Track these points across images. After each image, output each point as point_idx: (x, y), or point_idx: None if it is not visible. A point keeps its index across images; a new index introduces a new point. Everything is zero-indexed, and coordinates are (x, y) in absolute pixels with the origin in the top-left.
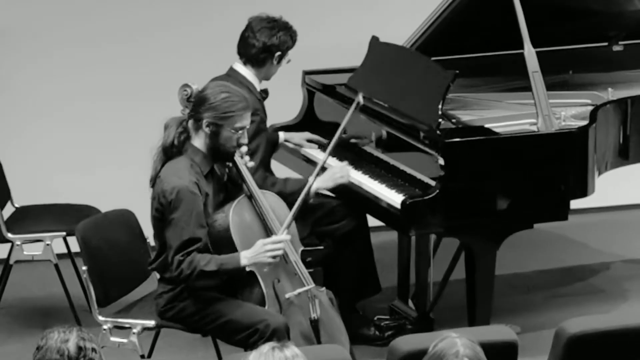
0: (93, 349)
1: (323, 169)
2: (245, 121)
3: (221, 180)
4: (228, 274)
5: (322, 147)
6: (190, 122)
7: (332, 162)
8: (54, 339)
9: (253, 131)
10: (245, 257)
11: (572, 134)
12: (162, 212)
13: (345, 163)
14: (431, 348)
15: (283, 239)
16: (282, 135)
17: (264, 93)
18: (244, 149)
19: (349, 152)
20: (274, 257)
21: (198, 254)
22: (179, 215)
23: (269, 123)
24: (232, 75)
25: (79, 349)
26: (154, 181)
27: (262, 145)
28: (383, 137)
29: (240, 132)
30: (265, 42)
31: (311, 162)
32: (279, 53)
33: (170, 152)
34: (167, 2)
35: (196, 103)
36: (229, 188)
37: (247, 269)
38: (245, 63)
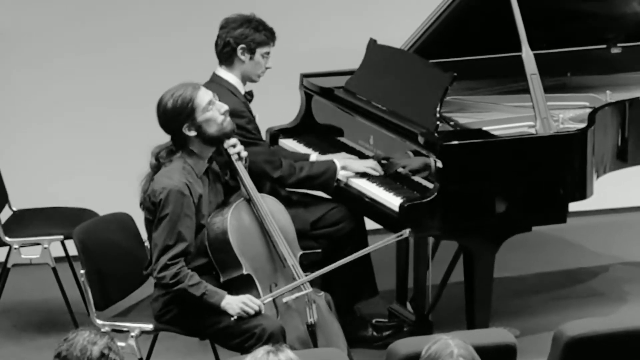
0: None
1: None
2: (206, 96)
3: (220, 181)
4: (206, 305)
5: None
6: (176, 141)
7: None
8: (83, 337)
9: (251, 131)
10: (226, 300)
11: (571, 136)
12: (153, 212)
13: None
14: (424, 351)
15: (261, 307)
16: (313, 158)
17: (249, 95)
18: (242, 152)
19: (346, 154)
20: (244, 311)
21: (186, 269)
22: (167, 216)
23: (267, 125)
24: (215, 80)
25: (102, 355)
26: (142, 199)
27: (263, 139)
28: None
29: (211, 106)
30: (224, 37)
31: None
32: (242, 46)
33: (157, 168)
34: (167, 7)
35: (166, 127)
36: (230, 185)
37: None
38: (220, 64)
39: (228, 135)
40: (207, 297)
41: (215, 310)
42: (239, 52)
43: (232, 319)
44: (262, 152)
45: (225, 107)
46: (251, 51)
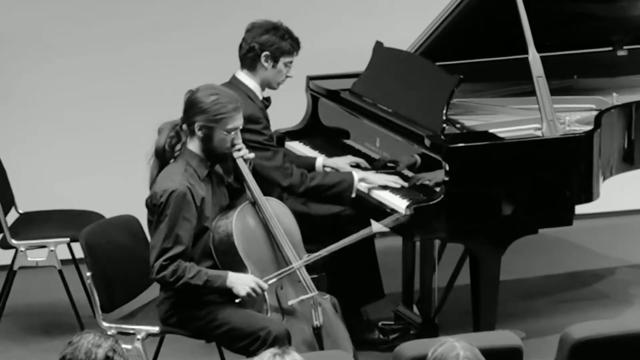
0: None
1: None
2: (237, 122)
3: (223, 183)
4: (213, 290)
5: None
6: (184, 127)
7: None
8: (87, 340)
9: (266, 138)
10: (230, 280)
11: (577, 139)
12: (152, 214)
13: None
14: (430, 354)
15: (265, 288)
16: (319, 161)
17: (267, 101)
18: (247, 154)
19: (352, 156)
20: (248, 294)
21: (184, 262)
22: (166, 218)
23: (273, 128)
24: (234, 83)
25: (107, 358)
26: (152, 184)
27: (276, 147)
28: (417, 163)
29: (232, 133)
30: (249, 42)
31: None
32: (266, 53)
33: (162, 156)
34: (171, 8)
35: (187, 107)
36: (234, 187)
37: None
38: (242, 68)
39: (222, 160)
40: (211, 282)
41: (221, 307)
42: (262, 58)
43: (237, 300)
44: (275, 159)
45: (241, 144)
46: (275, 59)
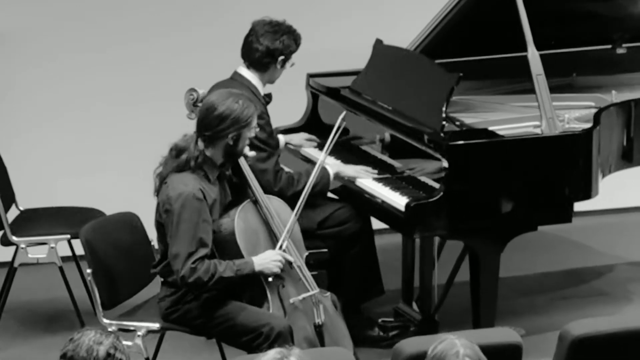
0: None
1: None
2: (256, 117)
3: (229, 181)
4: (243, 279)
5: (320, 146)
6: (200, 140)
7: (330, 160)
8: (88, 337)
9: (266, 136)
10: (258, 264)
11: (576, 136)
12: (168, 219)
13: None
14: (430, 350)
15: (288, 258)
16: (282, 138)
17: (268, 97)
18: (248, 152)
19: (353, 154)
20: (279, 268)
21: (209, 260)
22: (186, 222)
23: (273, 125)
24: (236, 79)
25: (108, 355)
26: (158, 190)
27: (274, 148)
28: (387, 140)
29: (255, 128)
30: (268, 47)
31: (310, 162)
32: (282, 57)
33: (183, 168)
34: (171, 5)
35: (211, 124)
36: (237, 184)
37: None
38: (249, 67)
39: (237, 158)
40: (241, 271)
41: (247, 284)
42: (278, 61)
43: (270, 280)
44: (268, 161)
45: (248, 149)
46: (286, 61)
